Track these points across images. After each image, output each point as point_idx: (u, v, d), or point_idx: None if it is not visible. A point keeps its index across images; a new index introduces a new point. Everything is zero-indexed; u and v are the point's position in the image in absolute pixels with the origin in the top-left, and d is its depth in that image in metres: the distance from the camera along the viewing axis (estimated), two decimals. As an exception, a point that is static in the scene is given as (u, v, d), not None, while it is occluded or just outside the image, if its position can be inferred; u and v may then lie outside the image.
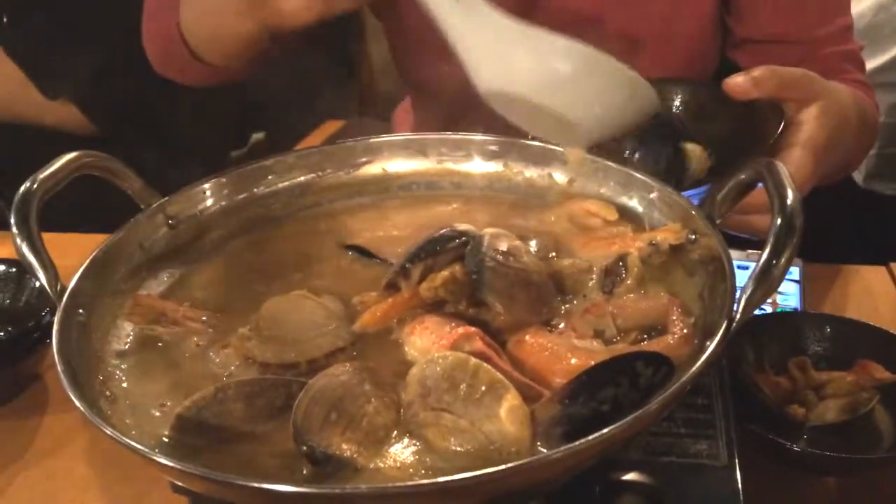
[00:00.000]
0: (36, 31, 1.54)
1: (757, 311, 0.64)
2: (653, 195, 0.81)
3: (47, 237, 0.71)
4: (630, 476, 0.66)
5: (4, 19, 1.54)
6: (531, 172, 0.90)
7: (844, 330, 0.87)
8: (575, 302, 0.73)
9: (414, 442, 0.60)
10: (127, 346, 0.72)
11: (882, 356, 0.82)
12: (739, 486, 0.66)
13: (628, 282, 0.73)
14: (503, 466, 0.51)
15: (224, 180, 0.88)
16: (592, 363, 0.61)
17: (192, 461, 0.57)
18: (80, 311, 0.70)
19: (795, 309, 1.00)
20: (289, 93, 2.07)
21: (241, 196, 0.89)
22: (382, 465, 0.59)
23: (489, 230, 0.72)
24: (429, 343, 0.67)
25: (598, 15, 1.16)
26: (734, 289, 0.64)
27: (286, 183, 0.91)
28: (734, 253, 0.69)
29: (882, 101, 1.43)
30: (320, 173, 0.92)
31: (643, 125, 0.88)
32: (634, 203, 0.83)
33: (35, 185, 0.72)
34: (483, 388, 0.59)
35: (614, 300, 0.72)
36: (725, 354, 0.74)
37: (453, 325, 0.67)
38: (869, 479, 0.79)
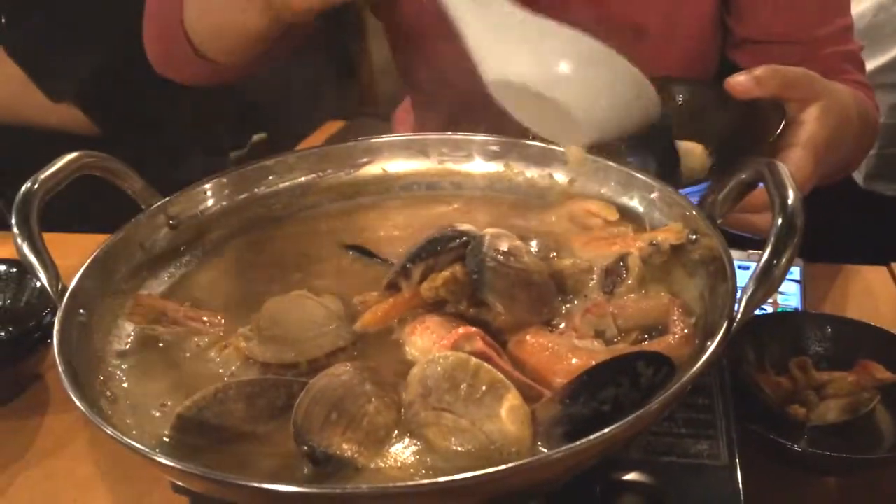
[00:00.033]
0: (36, 32, 1.54)
1: (758, 311, 0.64)
2: (654, 195, 0.81)
3: (48, 237, 0.71)
4: (631, 476, 0.65)
5: (3, 20, 1.54)
6: (532, 172, 0.90)
7: (845, 330, 0.87)
8: (576, 302, 0.73)
9: (415, 442, 0.60)
10: (128, 346, 0.72)
11: (883, 356, 0.82)
12: (740, 486, 0.66)
13: (629, 282, 0.73)
14: (504, 466, 0.51)
15: (225, 180, 0.88)
16: (593, 363, 0.61)
17: (192, 461, 0.57)
18: (81, 311, 0.70)
19: (796, 309, 1.00)
20: (289, 93, 2.07)
21: (241, 196, 0.89)
22: (383, 465, 0.59)
23: (490, 230, 0.72)
24: (429, 343, 0.67)
25: (598, 15, 1.16)
26: (735, 289, 0.64)
27: (287, 183, 0.91)
28: (735, 253, 0.69)
29: (882, 101, 1.43)
30: (321, 173, 0.92)
31: (644, 130, 0.88)
32: (635, 203, 0.83)
33: (36, 186, 0.72)
34: (484, 387, 0.59)
35: (615, 300, 0.72)
36: (726, 354, 0.74)
37: (454, 325, 0.67)
38: (870, 479, 0.79)
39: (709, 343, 0.60)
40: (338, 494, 0.54)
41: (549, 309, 0.71)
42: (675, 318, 0.68)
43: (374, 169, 0.93)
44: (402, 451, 0.59)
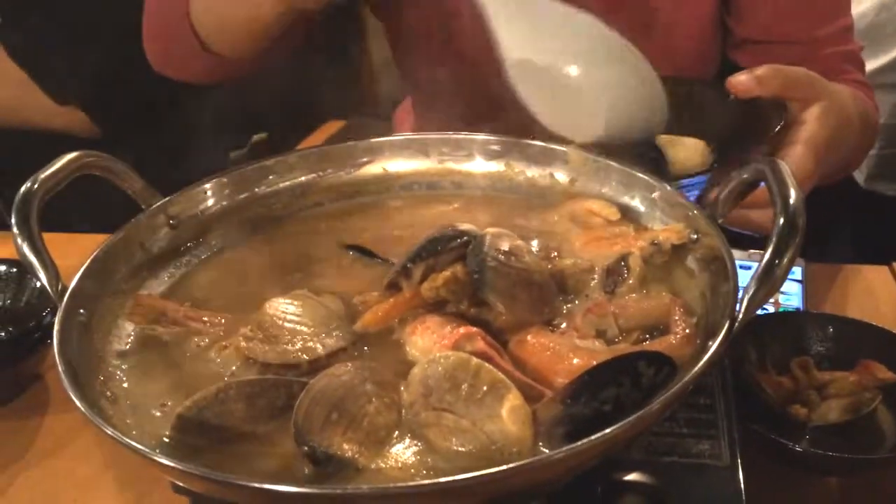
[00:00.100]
0: (36, 32, 1.54)
1: (759, 311, 0.63)
2: (655, 195, 0.81)
3: (48, 237, 0.71)
4: (632, 476, 0.65)
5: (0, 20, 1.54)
6: (533, 172, 0.90)
7: (847, 330, 0.86)
8: (577, 302, 0.73)
9: (415, 442, 0.60)
10: (128, 346, 0.72)
11: (884, 356, 0.82)
12: (742, 486, 0.65)
13: (630, 281, 0.73)
14: (505, 467, 0.51)
15: (225, 180, 0.88)
16: (594, 363, 0.61)
17: (192, 461, 0.57)
18: (81, 311, 0.70)
19: (798, 309, 1.00)
20: (290, 93, 2.07)
21: (242, 196, 0.89)
22: (384, 466, 0.58)
23: (491, 230, 0.72)
24: (430, 343, 0.66)
25: (599, 14, 1.16)
26: (737, 288, 0.63)
27: (287, 183, 0.91)
28: (736, 253, 0.69)
29: (883, 101, 1.43)
30: (321, 173, 0.92)
31: (649, 135, 0.89)
32: (636, 203, 0.83)
33: (36, 185, 0.72)
34: (485, 388, 0.58)
35: (616, 300, 0.72)
36: (728, 354, 0.74)
37: (455, 324, 0.67)
38: (871, 479, 0.79)
39: (710, 343, 0.60)
40: (338, 495, 0.53)
41: (550, 309, 0.71)
42: (676, 317, 0.68)
43: (374, 168, 0.93)
44: (403, 452, 0.59)
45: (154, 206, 0.82)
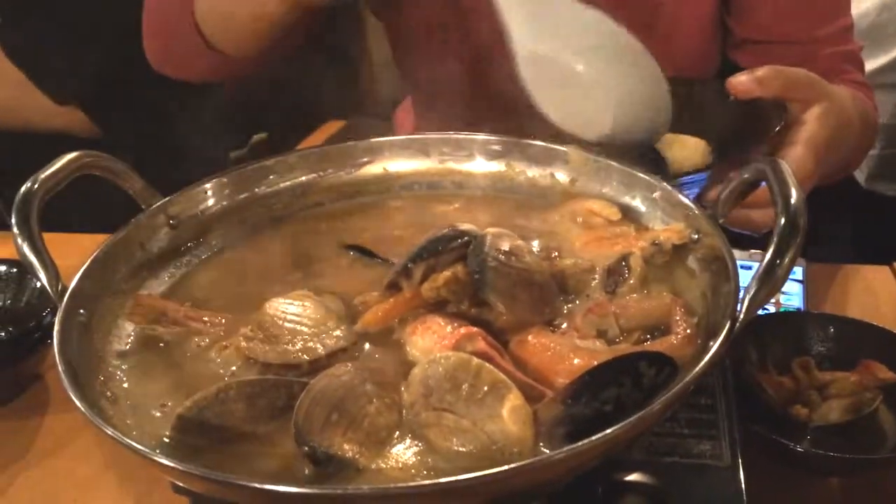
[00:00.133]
0: (33, 32, 1.54)
1: (760, 311, 0.63)
2: (656, 195, 0.81)
3: (48, 237, 0.71)
4: (633, 477, 0.65)
5: None
6: (533, 172, 0.90)
7: (848, 330, 0.86)
8: (577, 302, 0.73)
9: (416, 442, 0.60)
10: (128, 347, 0.72)
11: (885, 356, 0.82)
12: (743, 486, 0.65)
13: (631, 282, 0.73)
14: (505, 467, 0.51)
15: (225, 180, 0.88)
16: (595, 363, 0.61)
17: (192, 462, 0.57)
18: (81, 311, 0.70)
19: (799, 309, 1.00)
20: (290, 93, 2.07)
21: (242, 196, 0.89)
22: (384, 466, 0.58)
23: (491, 230, 0.72)
24: (431, 343, 0.66)
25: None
26: (738, 289, 0.63)
27: (287, 183, 0.91)
28: (737, 253, 0.69)
29: (884, 101, 1.43)
30: (321, 173, 0.92)
31: (651, 138, 0.89)
32: (637, 202, 0.83)
33: (36, 185, 0.72)
34: (485, 388, 0.58)
35: (617, 300, 0.72)
36: (729, 354, 0.74)
37: (455, 325, 0.67)
38: (872, 479, 0.78)
39: (711, 343, 0.60)
40: (339, 495, 0.53)
41: (550, 309, 0.71)
42: (677, 318, 0.68)
43: (374, 168, 0.93)
44: (404, 452, 0.59)
45: (154, 206, 0.82)
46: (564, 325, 0.70)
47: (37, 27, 1.53)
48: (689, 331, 0.67)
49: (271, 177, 0.91)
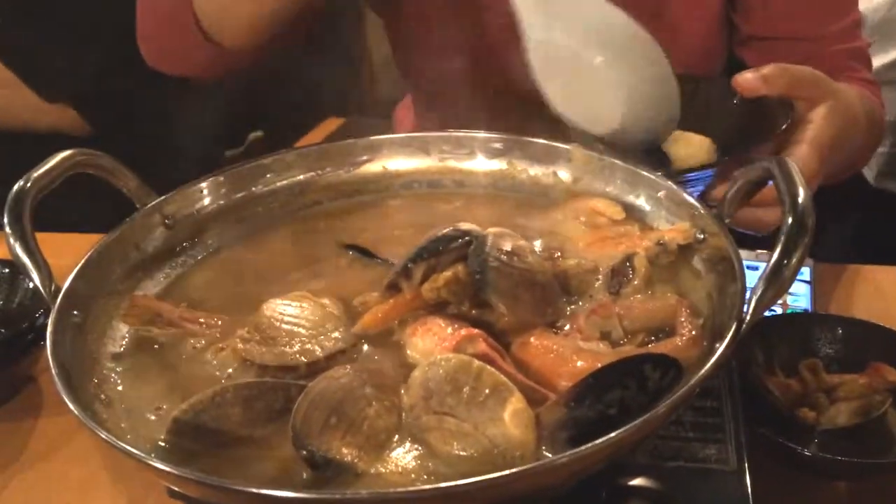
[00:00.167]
0: (23, 31, 1.53)
1: (767, 313, 0.63)
2: (660, 193, 0.81)
3: (41, 237, 0.71)
4: (637, 481, 0.65)
5: None
6: (536, 170, 0.90)
7: (856, 331, 0.86)
8: (581, 303, 0.73)
9: (416, 446, 0.60)
10: (122, 349, 0.72)
11: (895, 358, 0.81)
12: (749, 491, 0.65)
13: (635, 282, 0.73)
14: (507, 471, 0.51)
15: (221, 179, 0.88)
16: (599, 365, 0.61)
17: (188, 466, 0.57)
18: (75, 312, 0.70)
19: (806, 310, 1.00)
20: (289, 90, 2.07)
21: (238, 195, 0.89)
22: (384, 470, 0.58)
23: (493, 229, 0.72)
24: (431, 345, 0.66)
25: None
26: (744, 289, 0.63)
27: (285, 181, 0.91)
28: (743, 253, 0.69)
29: (893, 98, 1.42)
30: (320, 172, 0.92)
31: (656, 139, 0.90)
32: (642, 202, 0.83)
33: (29, 184, 0.72)
34: (487, 391, 0.58)
35: (621, 301, 0.72)
36: (735, 356, 0.73)
37: (456, 326, 0.67)
38: (881, 483, 0.78)
39: (717, 345, 0.60)
40: (337, 500, 0.53)
41: (553, 310, 0.71)
42: (682, 319, 0.68)
43: (374, 167, 0.93)
44: (404, 456, 0.59)
45: (149, 206, 0.82)
46: (567, 327, 0.70)
47: (25, 26, 1.53)
48: (694, 332, 0.66)
49: (268, 175, 0.90)
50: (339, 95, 2.33)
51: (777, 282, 0.60)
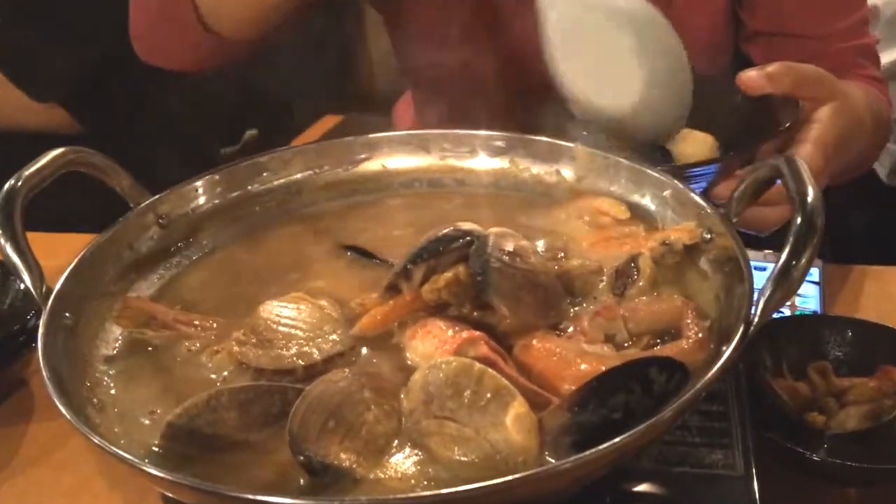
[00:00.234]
0: (9, 30, 1.53)
1: (775, 314, 0.63)
2: (666, 193, 0.81)
3: (32, 237, 0.71)
4: (642, 487, 0.65)
5: None
6: (538, 169, 0.90)
7: (866, 334, 0.86)
8: (584, 304, 0.73)
9: (416, 451, 0.60)
10: (115, 351, 0.72)
11: (906, 361, 0.82)
12: (756, 497, 0.65)
13: (640, 283, 0.73)
14: (509, 477, 0.51)
15: (217, 178, 0.88)
16: (603, 369, 0.61)
17: (183, 471, 0.57)
18: (67, 314, 0.70)
19: (815, 312, 1.00)
20: (287, 87, 2.07)
21: (234, 194, 0.89)
22: (383, 476, 0.58)
23: (494, 229, 0.72)
24: (431, 348, 0.66)
25: None
26: (752, 291, 0.63)
27: (282, 180, 0.91)
28: (751, 253, 0.69)
29: (902, 95, 1.42)
30: (317, 170, 0.92)
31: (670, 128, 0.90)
32: (647, 201, 0.83)
33: (20, 183, 0.72)
34: (488, 394, 0.58)
35: (626, 303, 0.72)
36: (742, 359, 0.74)
37: (457, 328, 0.67)
38: (892, 490, 0.78)
39: (724, 348, 0.60)
40: (335, 506, 0.53)
41: (556, 312, 0.71)
42: (688, 321, 0.68)
43: (373, 165, 0.93)
44: (403, 461, 0.59)
45: (143, 205, 0.82)
46: (571, 329, 0.70)
47: (13, 25, 1.53)
48: (700, 335, 0.66)
49: (265, 174, 0.90)
50: (336, 91, 2.33)
51: (785, 283, 0.60)
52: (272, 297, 0.74)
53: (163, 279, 0.82)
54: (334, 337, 0.70)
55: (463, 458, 0.58)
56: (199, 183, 0.87)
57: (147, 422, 0.65)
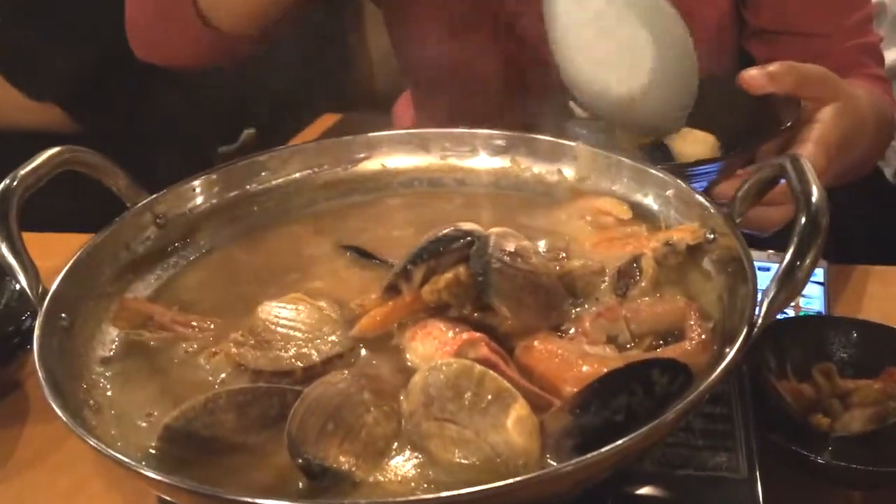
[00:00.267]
0: (9, 33, 1.53)
1: (779, 315, 0.63)
2: (669, 192, 0.81)
3: (28, 237, 0.71)
4: (645, 490, 0.65)
5: None
6: (540, 168, 0.90)
7: (871, 335, 0.86)
8: (586, 305, 0.73)
9: (416, 454, 0.60)
10: (112, 353, 0.72)
11: (911, 363, 0.81)
12: (760, 499, 0.65)
13: (643, 284, 0.73)
14: (510, 480, 0.51)
15: (215, 177, 0.88)
16: (605, 370, 0.61)
17: (180, 474, 0.57)
18: (63, 315, 0.70)
19: (819, 313, 1.00)
20: (285, 85, 2.07)
21: (232, 193, 0.89)
22: (382, 479, 0.58)
23: (495, 229, 0.72)
24: (431, 349, 0.66)
25: None
26: (755, 291, 0.63)
27: (280, 180, 0.91)
28: (755, 253, 0.69)
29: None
30: (316, 169, 0.92)
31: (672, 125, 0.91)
32: (649, 201, 0.83)
33: (15, 182, 0.72)
34: (489, 396, 0.58)
35: (628, 304, 0.72)
36: (746, 361, 0.73)
37: (457, 330, 0.67)
38: (897, 493, 0.78)
39: (728, 349, 0.60)
40: (334, 510, 0.53)
41: (558, 313, 0.71)
42: (691, 322, 0.68)
43: (372, 164, 0.93)
44: (403, 464, 0.59)
45: (140, 205, 0.82)
46: (572, 331, 0.70)
47: (8, 24, 1.53)
48: (703, 336, 0.66)
49: (263, 173, 0.90)
50: (336, 90, 2.33)
51: (790, 283, 0.60)
52: (271, 298, 0.74)
53: (160, 280, 0.82)
54: (333, 338, 0.70)
55: (463, 461, 0.58)
56: (196, 182, 0.87)
57: (144, 424, 0.65)
